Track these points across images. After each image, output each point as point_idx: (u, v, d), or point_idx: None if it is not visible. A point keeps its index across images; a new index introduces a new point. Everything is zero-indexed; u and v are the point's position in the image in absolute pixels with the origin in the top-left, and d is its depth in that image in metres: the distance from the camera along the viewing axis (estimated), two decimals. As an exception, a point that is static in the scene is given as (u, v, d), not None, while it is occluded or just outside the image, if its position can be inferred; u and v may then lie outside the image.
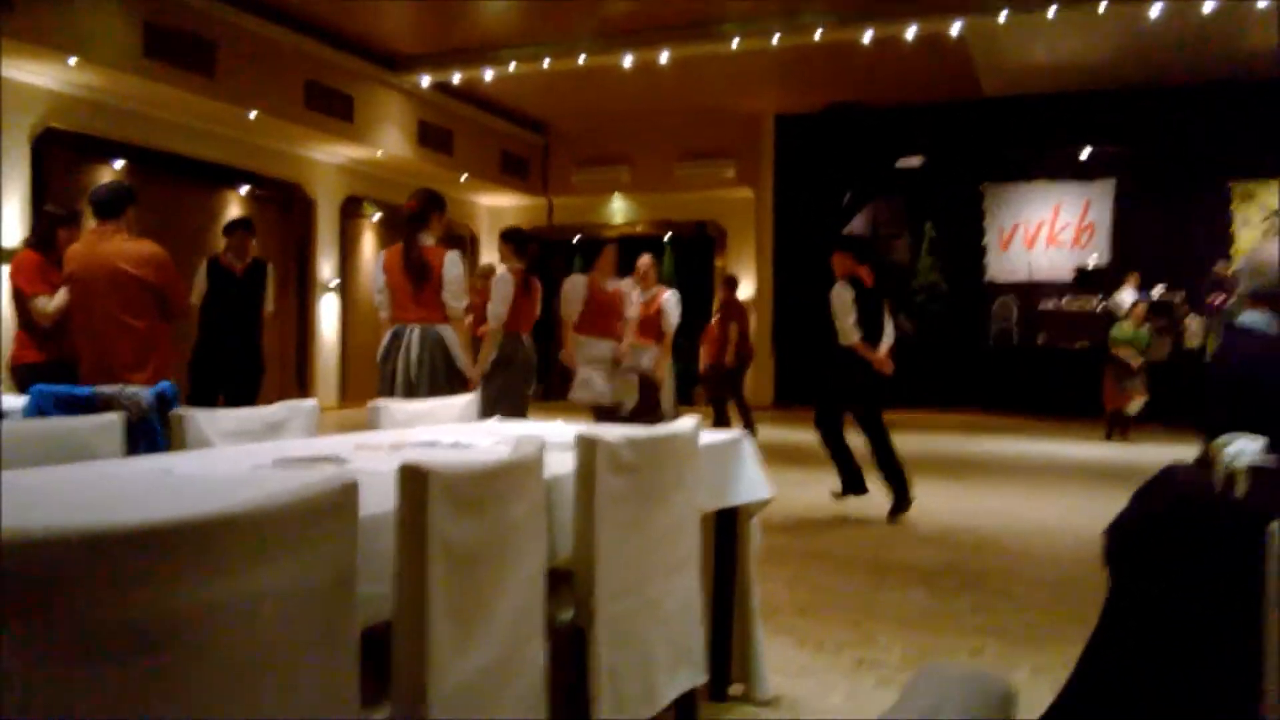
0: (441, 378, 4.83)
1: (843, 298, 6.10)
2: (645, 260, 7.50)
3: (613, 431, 2.21)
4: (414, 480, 1.54)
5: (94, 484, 1.92)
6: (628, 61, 11.54)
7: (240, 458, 2.33)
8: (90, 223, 4.80)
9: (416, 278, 4.88)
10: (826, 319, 6.23)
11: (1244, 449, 1.82)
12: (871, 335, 6.14)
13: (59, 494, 1.79)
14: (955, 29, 10.38)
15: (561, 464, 2.16)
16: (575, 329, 6.62)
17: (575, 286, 6.47)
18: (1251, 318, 2.59)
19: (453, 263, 4.91)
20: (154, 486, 1.91)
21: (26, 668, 0.98)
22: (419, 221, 4.97)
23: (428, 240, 4.97)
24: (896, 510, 6.12)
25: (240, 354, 6.56)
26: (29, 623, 0.99)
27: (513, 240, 6.32)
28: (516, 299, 5.92)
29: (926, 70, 12.22)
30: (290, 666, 1.25)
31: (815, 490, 6.65)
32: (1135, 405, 10.50)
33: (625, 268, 7.68)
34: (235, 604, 1.16)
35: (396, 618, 1.56)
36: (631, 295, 6.78)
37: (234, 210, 12.19)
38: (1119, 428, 10.68)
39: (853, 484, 6.29)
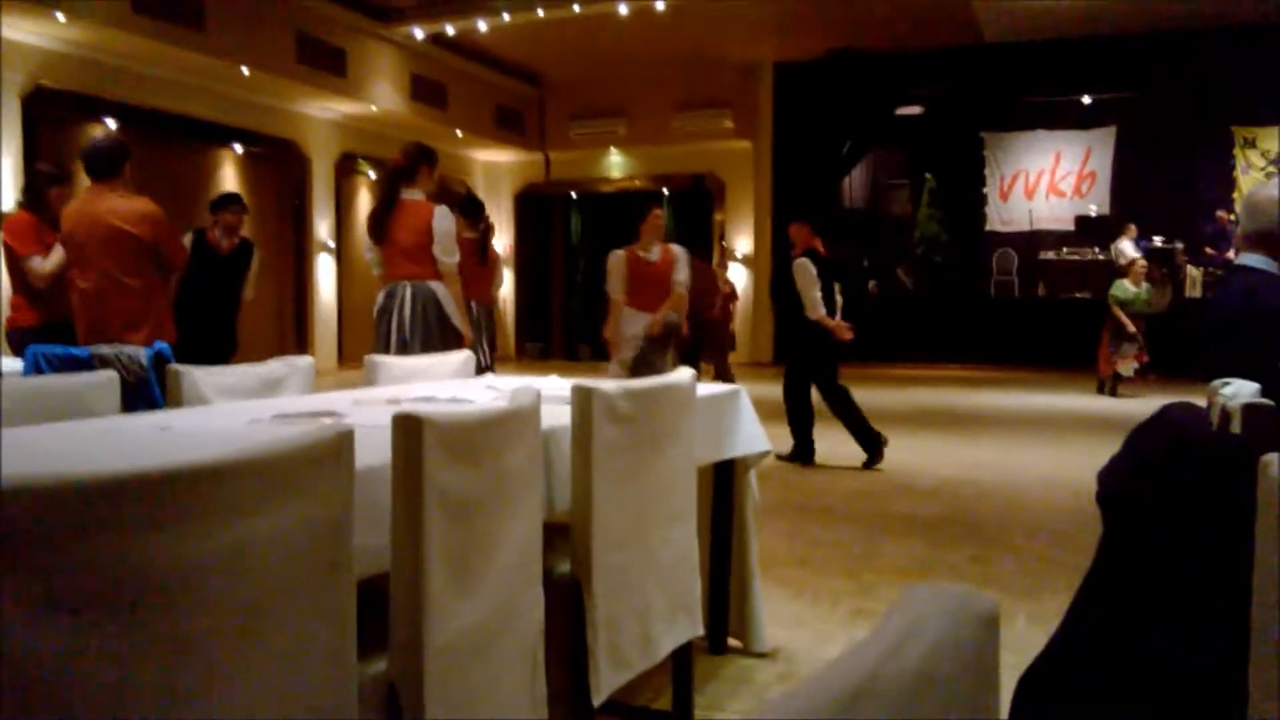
0: (435, 335, 4.80)
1: (808, 271, 6.39)
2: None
3: (609, 383, 2.20)
4: (409, 429, 1.53)
5: (89, 439, 1.91)
6: (623, 9, 11.37)
7: (237, 413, 2.33)
8: (85, 181, 4.75)
9: (375, 234, 4.86)
10: (790, 291, 6.53)
11: (1240, 389, 1.82)
12: (828, 306, 6.47)
13: (54, 449, 1.79)
14: (955, -26, 10.23)
15: (558, 417, 2.16)
16: (626, 303, 6.00)
17: (617, 261, 5.91)
18: (1251, 258, 2.57)
19: (442, 217, 4.84)
20: (150, 441, 1.91)
21: (23, 618, 0.98)
22: (405, 176, 4.91)
23: (417, 195, 4.91)
24: (872, 461, 6.39)
25: (214, 335, 6.20)
26: (25, 572, 0.98)
27: (466, 211, 6.47)
28: (469, 267, 6.02)
29: (927, 15, 12.06)
30: (287, 616, 1.26)
31: (815, 446, 6.66)
32: (1127, 367, 10.45)
33: (625, 223, 7.62)
34: (232, 552, 1.16)
35: (393, 567, 1.56)
36: (681, 261, 5.97)
37: (228, 168, 12.10)
38: (1111, 383, 10.64)
39: (804, 453, 6.58)
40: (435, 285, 4.85)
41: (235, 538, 1.16)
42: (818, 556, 4.26)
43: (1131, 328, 10.31)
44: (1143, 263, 11.04)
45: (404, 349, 4.74)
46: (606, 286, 5.99)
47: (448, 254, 4.87)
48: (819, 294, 6.38)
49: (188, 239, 6.12)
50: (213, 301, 6.26)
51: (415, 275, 4.84)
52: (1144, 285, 10.69)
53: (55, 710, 1.00)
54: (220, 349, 6.25)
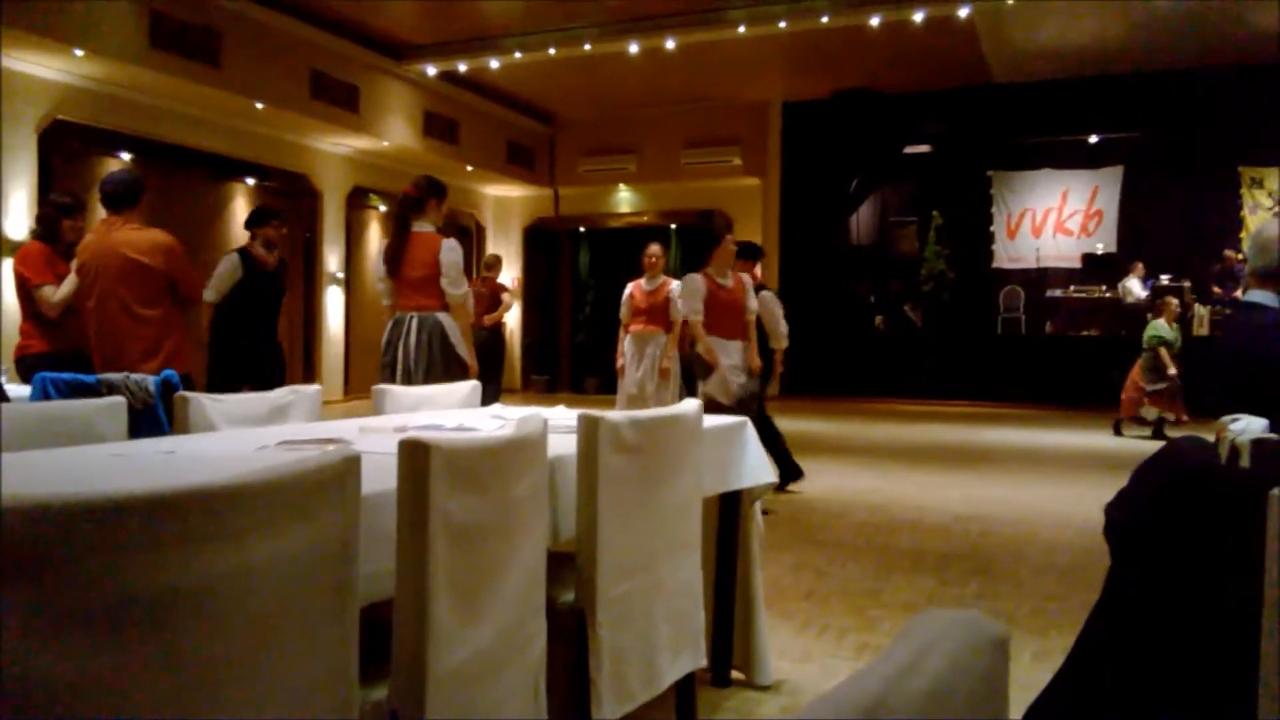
0: (438, 366, 4.80)
1: (777, 303, 6.48)
2: (655, 249, 7.50)
3: (616, 412, 2.21)
4: (415, 454, 1.54)
5: (96, 463, 1.92)
6: (634, 49, 11.50)
7: (244, 439, 2.33)
8: (101, 212, 4.81)
9: (391, 266, 4.88)
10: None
11: (1250, 425, 1.81)
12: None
13: (59, 472, 1.79)
14: (963, 12, 10.32)
15: (564, 446, 2.16)
16: (707, 329, 5.88)
17: (697, 285, 5.78)
18: (1259, 295, 2.58)
19: (449, 249, 4.87)
20: (156, 465, 1.92)
21: (28, 638, 0.98)
22: (415, 209, 4.94)
23: (426, 227, 4.95)
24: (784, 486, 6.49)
25: (269, 347, 6.30)
26: (30, 592, 0.98)
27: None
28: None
29: (934, 56, 12.16)
30: (291, 640, 1.25)
31: (822, 479, 6.65)
32: (1151, 412, 10.11)
33: (633, 257, 7.68)
34: (237, 575, 1.16)
35: (398, 593, 1.56)
36: (750, 288, 6.02)
37: (240, 201, 12.20)
38: (1129, 421, 10.37)
39: (792, 473, 6.55)
40: (442, 316, 4.87)
41: (241, 561, 1.16)
42: (824, 590, 4.23)
43: (1173, 369, 9.81)
44: (1174, 300, 10.62)
45: (408, 380, 4.75)
46: (685, 309, 5.96)
47: (455, 286, 4.89)
48: (785, 326, 6.48)
49: (233, 260, 6.18)
50: (265, 314, 6.23)
51: (422, 306, 4.87)
52: (1175, 325, 10.27)
53: (56, 729, 1.00)
54: (275, 359, 6.31)
